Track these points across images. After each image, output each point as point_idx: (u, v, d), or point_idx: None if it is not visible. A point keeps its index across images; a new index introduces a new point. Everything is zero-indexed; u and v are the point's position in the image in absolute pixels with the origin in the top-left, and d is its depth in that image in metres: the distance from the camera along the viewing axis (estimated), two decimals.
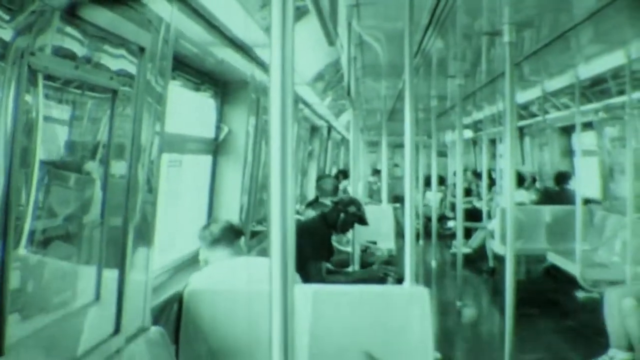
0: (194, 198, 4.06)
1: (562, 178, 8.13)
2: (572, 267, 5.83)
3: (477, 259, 8.39)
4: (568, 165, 8.67)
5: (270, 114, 1.09)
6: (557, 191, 8.20)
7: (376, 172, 13.16)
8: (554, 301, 6.07)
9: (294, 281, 1.16)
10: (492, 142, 11.65)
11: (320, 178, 6.30)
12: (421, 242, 9.83)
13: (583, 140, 6.71)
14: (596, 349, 4.55)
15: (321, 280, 3.89)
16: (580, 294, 5.73)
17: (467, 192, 10.27)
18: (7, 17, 1.39)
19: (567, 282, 6.14)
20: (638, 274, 4.83)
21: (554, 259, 6.67)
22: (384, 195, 8.24)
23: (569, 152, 8.86)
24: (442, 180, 12.08)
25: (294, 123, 1.12)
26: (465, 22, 3.95)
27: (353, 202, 4.43)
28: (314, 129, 9.72)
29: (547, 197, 8.06)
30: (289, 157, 1.09)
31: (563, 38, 4.25)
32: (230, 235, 3.13)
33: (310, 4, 1.74)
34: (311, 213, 5.04)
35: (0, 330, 1.47)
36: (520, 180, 8.50)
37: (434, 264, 8.49)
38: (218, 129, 3.92)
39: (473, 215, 9.38)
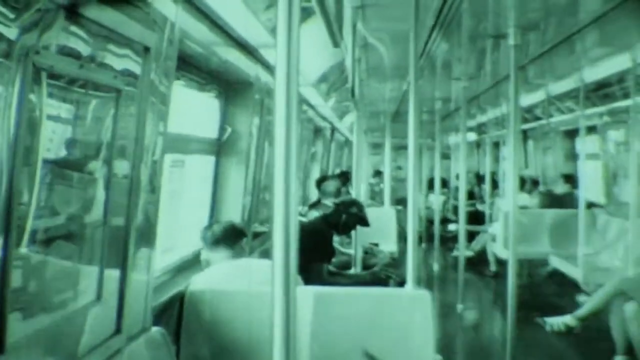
0: (196, 198, 4.05)
1: (569, 179, 8.12)
2: (575, 272, 5.81)
3: (479, 263, 8.36)
4: (571, 168, 8.65)
5: (275, 115, 1.09)
6: (560, 195, 8.18)
7: (377, 173, 13.14)
8: (556, 305, 6.04)
9: (296, 283, 1.16)
10: (496, 145, 11.63)
11: (322, 179, 6.27)
12: (423, 245, 9.81)
13: (587, 143, 6.68)
14: (600, 355, 4.53)
15: (322, 282, 3.88)
16: (582, 299, 5.70)
17: (470, 195, 10.26)
18: (12, 16, 1.39)
19: (570, 286, 6.12)
20: None
21: (556, 263, 6.65)
22: (387, 197, 8.23)
23: (572, 156, 8.84)
24: (444, 183, 12.05)
25: (297, 124, 1.12)
26: (470, 24, 3.95)
27: (354, 203, 4.44)
28: (317, 131, 9.71)
29: (550, 201, 8.04)
30: (293, 159, 1.09)
31: (568, 41, 4.25)
32: (232, 236, 3.13)
33: (315, 5, 1.74)
34: (314, 214, 5.03)
35: (1, 328, 1.47)
36: (522, 184, 8.48)
37: (436, 267, 8.48)
38: (221, 129, 3.92)
39: (475, 218, 9.35)
